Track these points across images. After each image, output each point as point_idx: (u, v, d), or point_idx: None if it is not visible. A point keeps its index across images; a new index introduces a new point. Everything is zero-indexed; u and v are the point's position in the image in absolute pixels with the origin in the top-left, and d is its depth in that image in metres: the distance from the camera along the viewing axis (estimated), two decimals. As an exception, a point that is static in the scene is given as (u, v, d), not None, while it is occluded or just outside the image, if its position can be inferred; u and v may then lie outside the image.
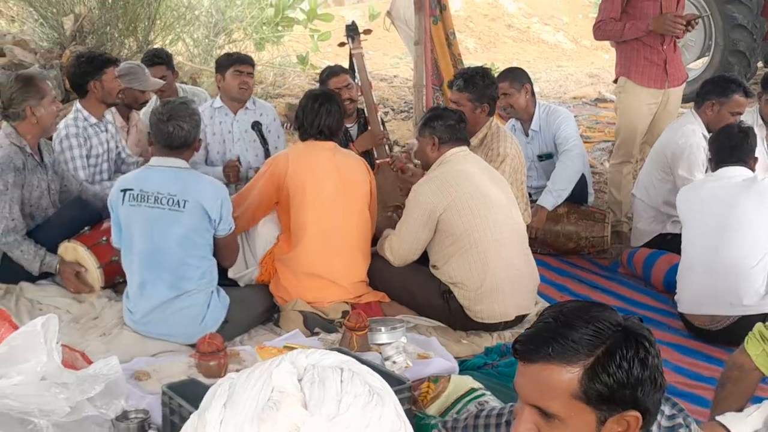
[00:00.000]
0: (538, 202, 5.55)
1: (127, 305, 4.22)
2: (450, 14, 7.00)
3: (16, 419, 2.90)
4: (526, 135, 5.84)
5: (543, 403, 1.72)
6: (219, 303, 4.23)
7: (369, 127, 5.89)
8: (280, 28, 10.66)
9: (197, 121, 4.23)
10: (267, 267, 4.62)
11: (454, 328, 4.49)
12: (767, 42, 9.31)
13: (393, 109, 9.31)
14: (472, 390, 3.35)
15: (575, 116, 6.58)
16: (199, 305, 4.15)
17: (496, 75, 5.66)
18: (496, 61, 12.12)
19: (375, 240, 4.76)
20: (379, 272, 4.63)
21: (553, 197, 5.55)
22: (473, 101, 5.07)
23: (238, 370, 3.69)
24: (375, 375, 1.23)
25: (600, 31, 5.89)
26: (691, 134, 5.25)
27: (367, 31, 6.26)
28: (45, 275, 4.64)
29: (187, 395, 3.09)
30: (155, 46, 7.84)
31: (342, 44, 6.31)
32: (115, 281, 4.61)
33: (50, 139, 5.00)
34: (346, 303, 4.49)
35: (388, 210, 5.12)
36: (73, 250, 4.56)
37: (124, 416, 3.14)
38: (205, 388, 3.25)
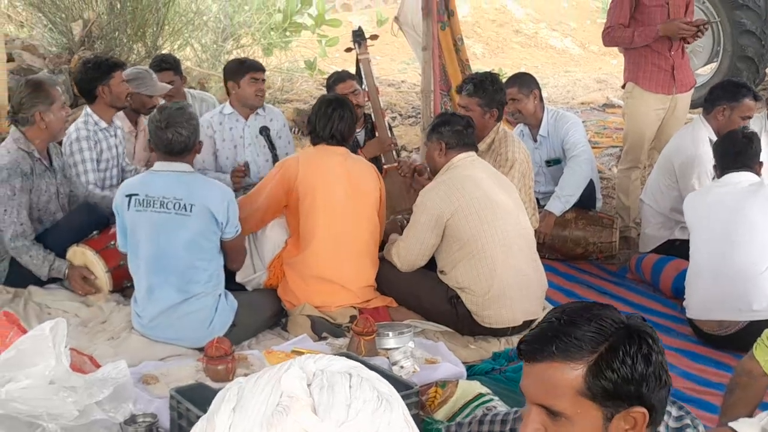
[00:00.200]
0: (546, 208, 5.55)
1: (135, 309, 4.22)
2: (458, 20, 7.00)
3: (25, 423, 2.91)
4: (535, 140, 5.84)
5: (549, 402, 1.72)
6: (227, 307, 4.23)
7: (376, 133, 5.89)
8: (288, 33, 10.68)
9: (195, 125, 4.22)
10: (275, 271, 4.62)
11: (461, 333, 4.49)
12: (776, 48, 9.29)
13: (401, 115, 9.31)
14: (480, 395, 3.35)
15: (583, 122, 6.58)
16: (207, 309, 4.16)
17: (504, 80, 5.66)
18: (504, 66, 12.12)
19: (382, 245, 4.76)
20: (386, 277, 4.63)
21: (561, 203, 5.54)
22: (482, 106, 5.07)
23: (246, 374, 3.69)
24: (383, 381, 1.23)
25: (609, 37, 5.90)
26: (701, 143, 5.24)
27: (374, 37, 6.27)
28: (53, 279, 4.65)
29: (194, 399, 3.10)
30: (163, 52, 7.86)
31: (349, 50, 6.32)
32: (123, 285, 4.61)
33: (59, 143, 5.01)
34: (354, 307, 4.49)
35: (396, 214, 5.12)
36: (81, 254, 4.57)
37: (132, 420, 3.14)
38: (213, 392, 3.26)
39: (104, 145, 5.13)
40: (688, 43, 5.96)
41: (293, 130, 7.81)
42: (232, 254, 4.35)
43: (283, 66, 10.51)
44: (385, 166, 5.57)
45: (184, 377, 3.64)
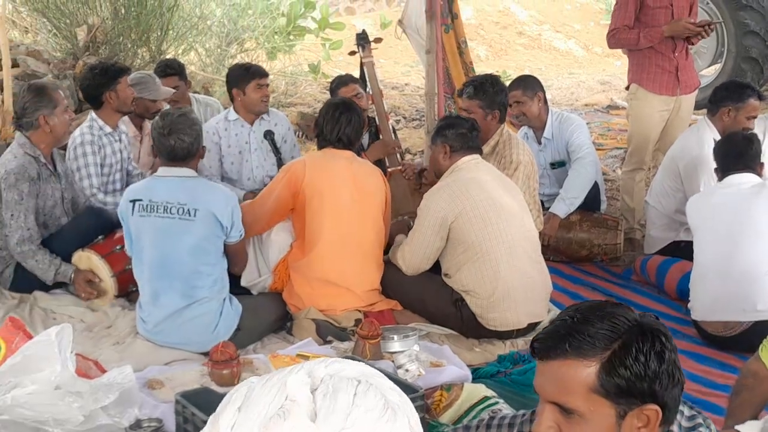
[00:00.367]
0: (550, 210, 5.54)
1: (139, 314, 4.23)
2: (461, 22, 7.01)
3: (31, 428, 2.91)
4: (539, 143, 5.83)
5: (562, 399, 1.73)
6: (231, 311, 4.23)
7: (380, 136, 5.89)
8: (291, 37, 10.69)
9: (198, 131, 4.23)
10: (280, 275, 4.63)
11: (466, 336, 4.49)
12: (780, 48, 9.27)
13: (405, 117, 9.31)
14: (486, 398, 3.35)
15: (587, 123, 6.58)
16: (212, 313, 4.16)
17: (507, 83, 5.66)
18: (508, 68, 12.13)
19: (387, 248, 4.77)
20: (391, 280, 4.64)
21: (565, 205, 5.54)
22: (484, 108, 5.07)
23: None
24: (395, 389, 1.23)
25: (614, 39, 5.89)
26: (706, 144, 5.23)
27: (378, 40, 6.28)
28: (58, 284, 4.66)
29: (200, 404, 3.10)
30: (168, 56, 7.87)
31: (353, 53, 6.33)
32: (128, 290, 4.62)
33: (63, 149, 5.02)
34: (359, 311, 4.49)
35: (400, 217, 5.12)
36: (87, 259, 4.58)
37: (137, 425, 3.15)
38: (219, 397, 3.27)
39: (108, 150, 5.14)
40: (693, 44, 5.96)
41: (297, 133, 7.81)
42: (234, 257, 4.36)
43: (287, 70, 10.52)
44: (389, 169, 5.57)
45: (190, 382, 3.65)
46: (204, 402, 3.13)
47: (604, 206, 6.01)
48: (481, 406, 3.33)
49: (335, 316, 4.45)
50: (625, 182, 6.16)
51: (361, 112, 4.77)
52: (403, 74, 11.99)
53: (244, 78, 5.57)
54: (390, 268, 4.65)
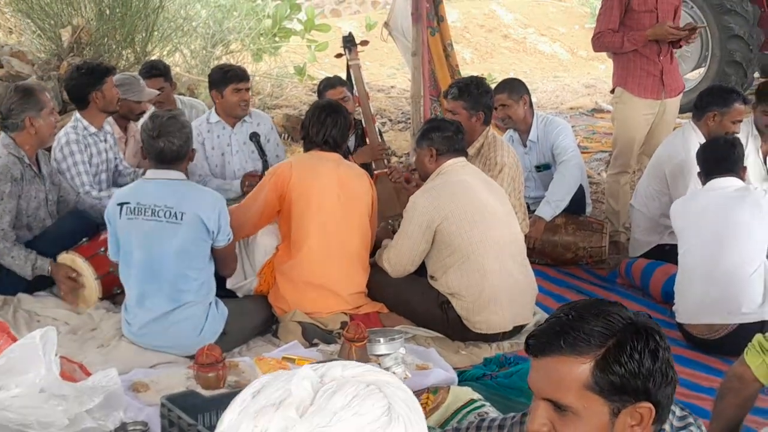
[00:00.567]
0: (536, 213, 5.56)
1: (125, 317, 4.21)
2: (447, 25, 7.01)
3: (15, 431, 2.89)
4: (524, 146, 5.85)
5: (556, 396, 1.74)
6: (217, 314, 4.22)
7: (367, 139, 5.89)
8: (277, 38, 10.67)
9: (188, 134, 4.22)
10: (266, 277, 4.62)
11: (452, 338, 4.49)
12: (764, 52, 9.33)
13: (390, 120, 9.32)
14: (472, 401, 3.35)
15: (572, 126, 6.59)
16: (198, 317, 4.15)
17: (493, 86, 5.67)
18: (493, 71, 12.14)
19: (373, 251, 4.76)
20: (377, 283, 4.63)
21: (551, 208, 5.55)
22: (468, 109, 5.08)
23: (237, 382, 3.70)
24: (409, 403, 1.25)
25: (599, 42, 5.91)
26: (691, 148, 5.25)
27: (364, 43, 6.27)
28: (42, 287, 4.63)
29: (185, 407, 3.08)
30: (153, 58, 7.84)
31: (339, 55, 6.32)
32: (113, 292, 4.60)
33: (48, 150, 5.00)
34: (345, 314, 4.48)
35: (386, 220, 5.11)
36: (71, 261, 4.56)
37: (122, 428, 3.13)
38: (204, 400, 3.27)
39: (94, 149, 5.12)
40: (680, 47, 5.99)
41: (283, 135, 7.80)
42: (223, 262, 4.34)
43: (272, 71, 10.50)
44: (375, 172, 5.57)
45: (175, 385, 3.63)
46: (190, 405, 3.12)
47: (589, 209, 6.03)
48: (468, 409, 3.33)
49: (321, 319, 4.44)
50: (610, 185, 6.18)
51: (347, 114, 4.76)
52: (388, 77, 12.00)
53: (222, 81, 5.57)
54: (376, 270, 4.65)
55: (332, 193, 4.54)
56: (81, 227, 4.72)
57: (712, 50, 9.05)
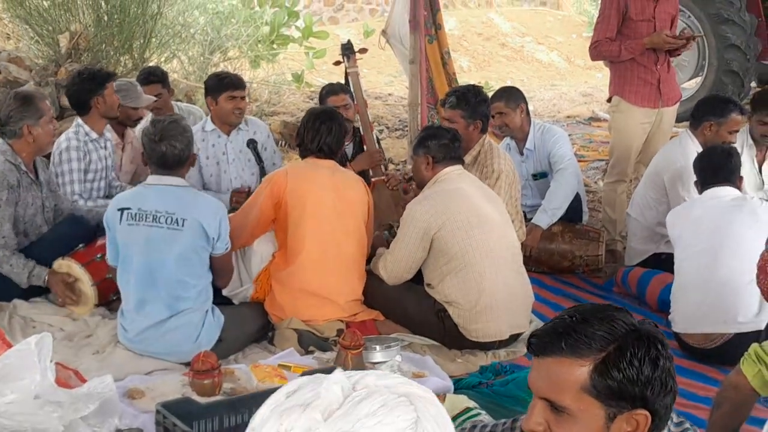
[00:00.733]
0: (532, 221, 5.56)
1: (121, 323, 4.20)
2: (445, 33, 7.02)
3: (10, 438, 2.88)
4: (521, 154, 5.85)
5: (554, 397, 1.75)
6: (213, 322, 4.21)
7: (365, 146, 5.89)
8: (275, 45, 10.67)
9: (189, 138, 4.21)
10: (262, 285, 4.61)
11: (448, 346, 4.49)
12: (760, 62, 9.35)
13: (388, 127, 9.33)
14: (468, 409, 3.34)
15: (569, 135, 6.60)
16: (194, 324, 4.14)
17: (490, 94, 5.68)
18: (490, 80, 12.17)
19: (369, 258, 4.76)
20: (373, 290, 4.63)
21: (547, 216, 5.56)
22: (466, 118, 5.08)
23: (232, 389, 3.70)
24: (440, 421, 1.26)
25: (596, 51, 5.92)
26: (690, 156, 5.26)
27: (363, 50, 6.28)
28: (38, 293, 4.62)
29: (181, 414, 3.08)
30: (150, 64, 7.84)
31: (337, 63, 6.32)
32: (109, 298, 4.59)
33: (46, 157, 4.99)
34: (341, 321, 4.48)
35: (383, 228, 5.12)
36: (67, 267, 4.55)
37: (117, 435, 3.12)
38: (200, 407, 3.26)
39: (94, 156, 5.12)
40: (677, 55, 6.00)
41: (280, 142, 7.80)
42: (220, 271, 4.33)
43: (270, 78, 10.51)
44: (372, 179, 5.57)
45: (170, 391, 3.63)
46: (185, 412, 3.11)
47: (585, 218, 6.03)
48: (463, 417, 3.32)
49: (317, 326, 4.44)
50: (606, 194, 6.19)
51: (343, 121, 4.75)
52: (386, 84, 12.02)
53: (217, 88, 5.54)
54: (372, 278, 4.65)
55: (328, 200, 4.54)
56: (77, 233, 4.71)
57: (709, 59, 9.07)
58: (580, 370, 1.72)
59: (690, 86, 9.33)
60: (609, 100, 6.17)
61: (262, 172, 5.46)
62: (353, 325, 4.42)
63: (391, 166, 7.58)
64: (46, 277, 4.52)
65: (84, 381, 3.40)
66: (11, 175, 4.53)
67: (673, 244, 4.82)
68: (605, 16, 5.83)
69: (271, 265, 4.62)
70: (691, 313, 4.53)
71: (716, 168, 4.72)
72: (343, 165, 5.41)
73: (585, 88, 12.38)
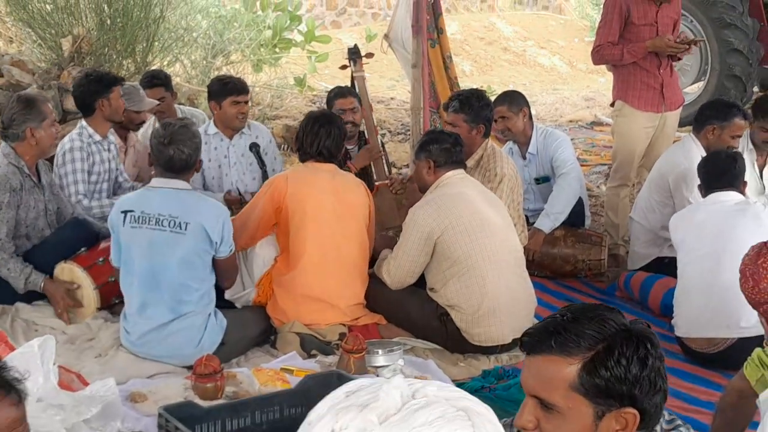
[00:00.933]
0: (535, 225, 5.56)
1: (124, 326, 4.20)
2: (447, 37, 7.02)
3: (12, 441, 2.88)
4: (524, 158, 5.85)
5: (543, 394, 1.76)
6: (216, 325, 4.21)
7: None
8: (277, 49, 10.69)
9: (198, 144, 4.23)
10: (264, 288, 4.61)
11: (451, 350, 4.48)
12: (763, 67, 9.35)
13: (390, 132, 9.33)
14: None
15: (571, 139, 6.60)
16: (196, 327, 4.14)
17: (492, 98, 5.68)
18: (493, 83, 12.17)
19: (372, 261, 4.76)
20: (376, 294, 4.63)
21: (550, 220, 5.55)
22: (469, 122, 5.08)
23: (235, 392, 3.70)
24: None
25: (599, 55, 5.93)
26: (694, 158, 5.26)
27: (369, 55, 6.28)
28: (41, 296, 4.62)
29: (183, 417, 3.08)
30: (153, 68, 7.85)
31: (344, 67, 6.33)
32: (111, 302, 4.59)
33: (49, 160, 5.00)
34: (344, 325, 4.48)
35: (385, 231, 5.11)
36: (69, 271, 4.55)
37: (120, 438, 3.12)
38: (202, 410, 3.26)
39: (97, 158, 5.13)
40: (679, 59, 6.01)
41: (282, 146, 7.80)
42: (224, 273, 4.33)
43: (272, 82, 10.52)
44: (376, 183, 5.57)
45: (173, 395, 3.63)
46: (187, 415, 3.11)
47: (588, 222, 6.03)
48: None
49: (320, 330, 4.44)
50: (609, 198, 6.18)
51: (342, 125, 4.74)
52: (388, 88, 12.02)
53: (221, 92, 5.55)
54: (375, 282, 4.65)
55: (328, 204, 4.54)
56: (80, 237, 4.71)
57: (711, 64, 9.08)
58: (569, 368, 1.74)
59: (692, 90, 9.33)
60: (612, 105, 6.18)
61: (265, 176, 5.46)
62: (355, 328, 4.42)
63: (393, 171, 7.58)
64: (42, 284, 4.52)
65: (86, 384, 3.41)
66: (14, 178, 4.53)
67: (676, 249, 4.81)
68: (607, 21, 5.84)
69: (273, 269, 4.62)
70: (694, 317, 4.53)
71: (721, 172, 4.72)
72: (345, 163, 5.43)
73: (587, 93, 12.38)
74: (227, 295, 4.59)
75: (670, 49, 5.75)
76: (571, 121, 10.41)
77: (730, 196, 4.66)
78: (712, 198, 4.71)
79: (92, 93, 5.12)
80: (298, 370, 3.92)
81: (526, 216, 5.41)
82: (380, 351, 3.95)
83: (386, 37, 7.06)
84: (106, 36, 7.95)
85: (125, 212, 4.14)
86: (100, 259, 4.53)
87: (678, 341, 4.70)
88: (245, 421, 3.25)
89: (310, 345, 4.35)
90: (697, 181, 4.94)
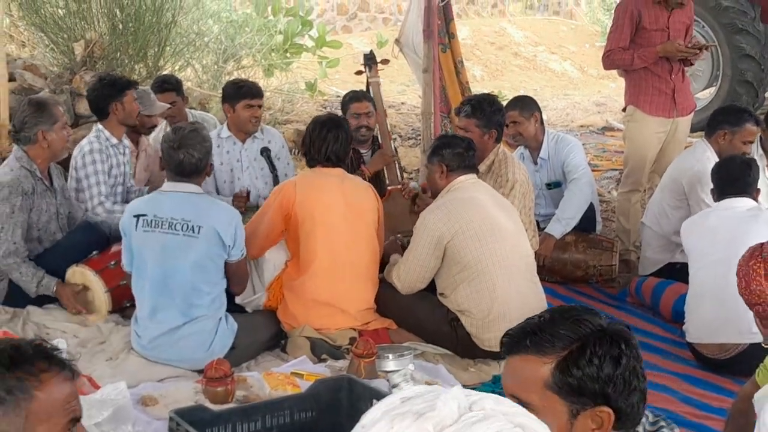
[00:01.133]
0: (546, 230, 5.55)
1: (135, 329, 4.21)
2: (458, 42, 7.03)
3: (23, 444, 2.89)
4: (535, 163, 5.84)
5: (520, 393, 1.79)
6: (227, 329, 4.21)
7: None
8: (288, 54, 10.71)
9: (208, 148, 4.23)
10: (274, 293, 4.61)
11: (461, 356, 4.48)
12: (774, 72, 9.32)
13: (401, 136, 9.33)
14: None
15: (582, 144, 6.59)
16: (207, 331, 4.15)
17: (503, 103, 5.68)
18: (503, 89, 12.17)
19: (383, 266, 4.75)
20: (386, 299, 4.62)
21: (561, 225, 5.54)
22: (481, 127, 5.08)
23: (245, 396, 3.69)
24: None
25: (609, 60, 5.93)
26: (707, 161, 5.24)
27: (385, 61, 6.30)
28: (52, 299, 4.63)
29: (194, 421, 3.08)
30: (165, 72, 7.87)
31: (359, 72, 6.35)
32: (122, 305, 4.61)
33: (60, 163, 5.01)
34: (354, 330, 4.48)
35: (396, 235, 5.11)
36: (81, 274, 4.57)
37: (130, 442, 3.13)
38: (213, 414, 3.26)
39: (114, 161, 5.14)
40: (692, 64, 6.00)
41: (293, 151, 7.81)
42: (235, 277, 4.34)
43: (283, 87, 10.54)
44: (389, 188, 5.58)
45: (184, 399, 3.63)
46: (198, 419, 3.11)
47: (599, 227, 6.02)
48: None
49: (330, 335, 4.44)
50: (620, 203, 6.17)
51: (348, 129, 4.74)
52: (399, 93, 12.02)
53: (235, 95, 5.56)
54: (385, 286, 4.64)
55: (338, 210, 4.54)
56: (92, 240, 4.73)
57: (723, 70, 9.05)
58: (544, 367, 1.76)
59: (704, 96, 9.30)
60: (624, 110, 6.16)
61: (275, 181, 5.47)
62: (366, 333, 4.41)
63: (406, 175, 7.58)
64: (55, 288, 4.54)
65: (97, 387, 3.42)
66: (26, 182, 4.55)
67: (688, 254, 4.80)
68: (618, 26, 5.84)
69: (283, 274, 4.62)
70: (706, 323, 4.51)
71: (734, 178, 4.70)
72: (359, 168, 5.43)
73: (598, 98, 12.37)
74: (238, 299, 4.59)
75: (681, 53, 5.75)
76: (582, 126, 10.39)
77: (742, 202, 4.65)
78: (724, 204, 4.70)
79: (106, 97, 5.14)
80: (308, 375, 3.92)
81: (537, 221, 5.40)
82: (390, 356, 3.95)
83: (397, 41, 7.07)
84: (118, 40, 7.97)
85: (137, 216, 4.14)
86: (112, 263, 4.54)
87: (689, 347, 4.68)
88: (255, 425, 3.25)
89: (321, 349, 4.35)
90: (711, 185, 4.92)
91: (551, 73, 14.43)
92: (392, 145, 6.00)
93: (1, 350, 1.75)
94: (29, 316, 4.55)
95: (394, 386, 3.71)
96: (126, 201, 5.14)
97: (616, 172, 7.76)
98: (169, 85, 5.95)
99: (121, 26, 8.07)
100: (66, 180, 5.03)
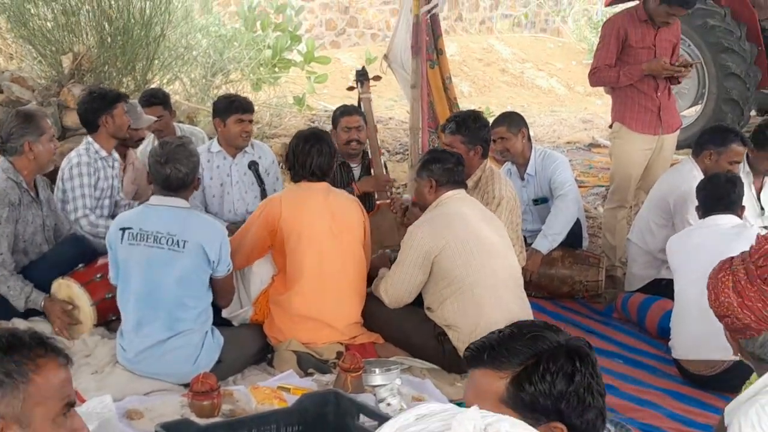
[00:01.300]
0: (533, 246, 5.56)
1: (120, 343, 4.20)
2: (446, 59, 7.05)
3: (7, 457, 2.87)
4: (522, 179, 5.86)
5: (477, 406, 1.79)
6: (213, 343, 4.21)
7: (372, 170, 5.91)
8: (277, 69, 10.73)
9: (195, 163, 4.23)
10: (261, 307, 4.61)
11: (448, 370, 4.48)
12: (760, 91, 9.39)
13: (388, 151, 9.35)
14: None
15: (569, 161, 6.62)
16: (193, 345, 4.14)
17: (490, 119, 5.70)
18: (491, 105, 12.20)
19: (370, 280, 4.75)
20: (373, 313, 4.62)
21: (548, 241, 5.56)
22: (466, 143, 5.09)
23: (231, 410, 3.69)
24: None
25: (595, 77, 5.97)
26: (693, 180, 5.27)
27: (377, 78, 6.34)
28: (37, 312, 4.61)
29: (180, 435, 3.07)
30: (153, 86, 7.87)
31: (351, 88, 6.37)
32: (108, 318, 4.59)
33: (47, 176, 5.00)
34: (341, 344, 4.47)
35: (384, 249, 5.11)
36: (66, 287, 4.55)
37: (116, 455, 3.11)
38: (199, 428, 3.25)
39: (102, 174, 5.14)
40: (679, 82, 6.04)
41: (281, 164, 7.81)
42: (221, 292, 4.34)
43: (271, 101, 10.55)
44: (377, 202, 5.58)
45: (169, 413, 3.62)
46: (184, 433, 3.10)
47: (585, 243, 6.04)
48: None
49: (317, 349, 4.43)
50: (607, 220, 6.20)
51: (331, 142, 4.74)
52: (386, 108, 12.04)
53: (226, 110, 5.56)
54: (372, 300, 4.64)
55: (324, 224, 4.54)
56: (78, 253, 4.71)
57: (709, 88, 9.11)
58: (499, 382, 1.78)
59: (690, 114, 9.36)
60: (611, 127, 6.20)
61: (263, 195, 5.46)
62: (353, 347, 4.41)
63: (394, 190, 7.59)
64: (43, 303, 4.52)
65: (83, 401, 3.40)
66: (12, 193, 4.53)
67: (673, 271, 4.82)
68: (605, 43, 5.88)
69: (270, 288, 4.62)
70: (691, 339, 4.53)
71: (719, 196, 4.73)
72: (348, 185, 5.43)
73: (585, 115, 12.42)
74: (224, 313, 4.58)
75: (666, 71, 5.78)
76: (568, 143, 10.43)
77: (727, 219, 4.68)
78: (709, 221, 4.73)
79: (96, 110, 5.14)
80: (295, 389, 3.91)
81: (523, 237, 5.42)
82: (377, 370, 3.95)
83: (386, 57, 7.09)
84: (106, 53, 7.97)
85: (123, 229, 4.14)
86: (98, 276, 4.53)
87: (675, 363, 4.70)
88: (242, 439, 3.24)
89: (307, 363, 4.35)
90: (696, 203, 4.95)
91: (538, 89, 14.48)
92: (382, 162, 6.01)
93: None
94: (14, 329, 4.52)
95: (381, 401, 3.70)
96: (114, 214, 5.13)
97: (603, 189, 7.79)
98: (155, 100, 5.95)
99: (109, 39, 8.07)
100: (53, 192, 5.02)
